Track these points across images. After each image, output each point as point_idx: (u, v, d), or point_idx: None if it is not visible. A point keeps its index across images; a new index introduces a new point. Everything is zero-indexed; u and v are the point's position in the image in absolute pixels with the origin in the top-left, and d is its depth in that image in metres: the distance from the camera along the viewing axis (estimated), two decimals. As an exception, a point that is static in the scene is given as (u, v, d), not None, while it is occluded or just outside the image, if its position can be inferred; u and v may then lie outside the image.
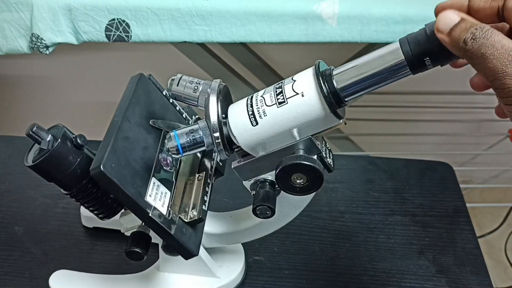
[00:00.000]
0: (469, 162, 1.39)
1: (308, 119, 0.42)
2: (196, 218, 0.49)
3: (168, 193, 0.49)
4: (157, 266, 0.59)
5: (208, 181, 0.53)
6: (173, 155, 0.48)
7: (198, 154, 0.55)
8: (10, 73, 1.46)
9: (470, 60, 0.35)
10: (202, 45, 1.16)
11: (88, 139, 0.48)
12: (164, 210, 0.47)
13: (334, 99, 0.41)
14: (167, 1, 0.84)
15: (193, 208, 0.50)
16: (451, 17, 0.36)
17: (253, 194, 0.47)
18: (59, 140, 0.46)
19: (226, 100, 0.47)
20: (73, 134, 0.48)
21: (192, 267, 0.57)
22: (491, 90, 0.36)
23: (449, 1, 0.39)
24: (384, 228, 0.70)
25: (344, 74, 0.41)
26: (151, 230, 0.49)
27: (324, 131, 0.44)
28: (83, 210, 0.68)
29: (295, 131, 0.43)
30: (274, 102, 0.43)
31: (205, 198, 0.51)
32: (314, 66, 0.43)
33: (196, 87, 0.48)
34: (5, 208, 0.71)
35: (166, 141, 0.47)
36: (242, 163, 0.47)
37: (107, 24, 0.85)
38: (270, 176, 0.47)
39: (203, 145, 0.46)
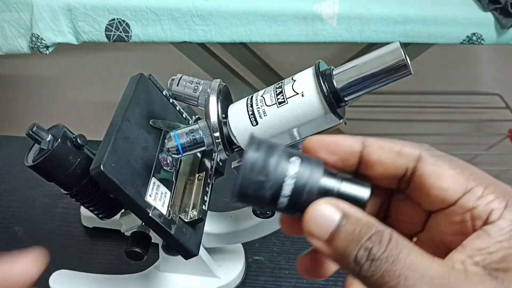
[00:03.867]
0: (469, 162, 1.39)
1: (308, 119, 0.42)
2: (196, 218, 0.49)
3: (168, 193, 0.49)
4: (157, 266, 0.59)
5: (208, 181, 0.53)
6: (173, 155, 0.48)
7: (198, 154, 0.55)
8: (10, 73, 1.46)
9: (363, 282, 0.23)
10: (202, 45, 1.16)
11: (88, 139, 0.48)
12: (164, 210, 0.47)
13: (334, 99, 0.41)
14: (167, 1, 0.84)
15: (193, 208, 0.50)
16: (327, 214, 0.23)
17: (253, 194, 0.47)
18: (59, 140, 0.45)
19: (226, 100, 0.47)
20: (73, 134, 0.48)
21: (192, 267, 0.57)
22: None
23: (330, 138, 0.26)
24: (384, 228, 0.70)
25: (344, 74, 0.41)
26: (151, 230, 0.49)
27: (324, 131, 0.44)
28: (83, 210, 0.68)
29: (295, 131, 0.43)
30: (274, 102, 0.43)
31: (205, 198, 0.51)
32: (314, 66, 0.43)
33: (196, 87, 0.47)
34: (5, 208, 0.71)
35: (166, 141, 0.47)
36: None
37: (107, 24, 0.85)
38: (270, 176, 0.47)
39: (203, 145, 0.46)
